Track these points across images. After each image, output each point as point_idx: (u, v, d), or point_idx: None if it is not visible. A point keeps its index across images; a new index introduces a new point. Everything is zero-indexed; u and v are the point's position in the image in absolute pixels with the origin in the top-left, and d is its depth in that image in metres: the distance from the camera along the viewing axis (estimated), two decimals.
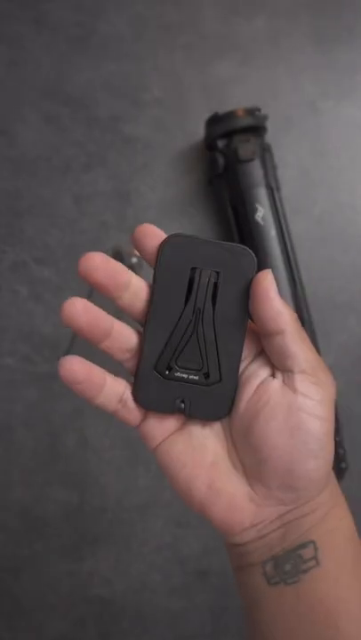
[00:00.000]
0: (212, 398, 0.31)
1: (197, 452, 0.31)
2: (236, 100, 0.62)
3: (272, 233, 0.55)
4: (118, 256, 0.59)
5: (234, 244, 0.31)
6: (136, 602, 0.59)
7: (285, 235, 0.56)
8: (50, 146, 0.61)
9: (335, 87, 0.63)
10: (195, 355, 0.31)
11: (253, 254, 0.31)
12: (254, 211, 0.55)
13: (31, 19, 0.62)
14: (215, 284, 0.30)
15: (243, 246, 0.31)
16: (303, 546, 0.29)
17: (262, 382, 0.30)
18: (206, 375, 0.31)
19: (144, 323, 0.31)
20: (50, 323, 0.59)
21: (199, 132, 0.61)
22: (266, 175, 0.56)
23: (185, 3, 0.62)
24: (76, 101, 0.61)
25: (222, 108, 0.59)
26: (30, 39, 0.62)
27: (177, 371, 0.31)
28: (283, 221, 0.56)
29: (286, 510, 0.30)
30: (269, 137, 0.61)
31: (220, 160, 0.57)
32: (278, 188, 0.57)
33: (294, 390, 0.29)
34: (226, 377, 0.31)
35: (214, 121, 0.57)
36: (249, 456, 0.30)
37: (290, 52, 0.62)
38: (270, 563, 0.29)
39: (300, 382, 0.29)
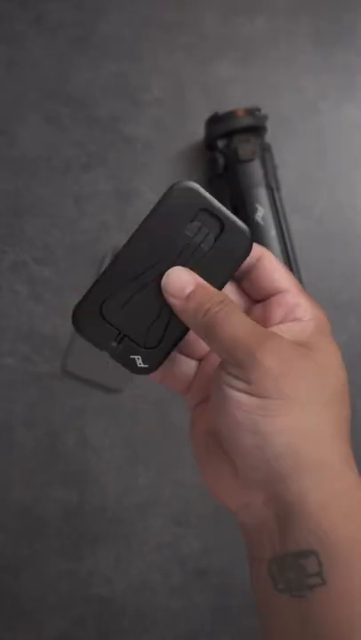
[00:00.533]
0: (142, 355, 0.30)
1: (205, 414, 0.31)
2: (236, 100, 0.62)
3: (272, 233, 0.55)
4: None
5: (237, 220, 0.30)
6: (136, 601, 0.59)
7: (285, 235, 0.56)
8: (50, 146, 0.61)
9: (335, 87, 0.63)
10: (145, 311, 0.30)
11: (250, 237, 0.30)
12: (254, 211, 0.55)
13: (31, 19, 0.62)
14: (200, 249, 0.30)
15: (244, 226, 0.30)
16: (304, 555, 0.26)
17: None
18: (144, 339, 0.30)
19: (120, 248, 0.30)
20: (50, 323, 0.60)
21: (199, 131, 0.61)
22: (266, 175, 0.56)
23: (185, 3, 0.62)
24: (76, 101, 0.61)
25: (222, 108, 0.59)
26: (30, 39, 0.62)
27: (120, 320, 0.30)
28: (283, 221, 0.56)
29: (269, 492, 0.27)
30: (269, 137, 0.61)
31: (220, 160, 0.57)
32: (278, 188, 0.57)
33: (220, 364, 0.28)
34: (164, 345, 0.30)
35: (214, 121, 0.58)
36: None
37: (290, 51, 0.63)
38: (275, 564, 0.27)
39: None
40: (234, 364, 0.27)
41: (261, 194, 0.56)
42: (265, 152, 0.56)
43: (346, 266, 0.61)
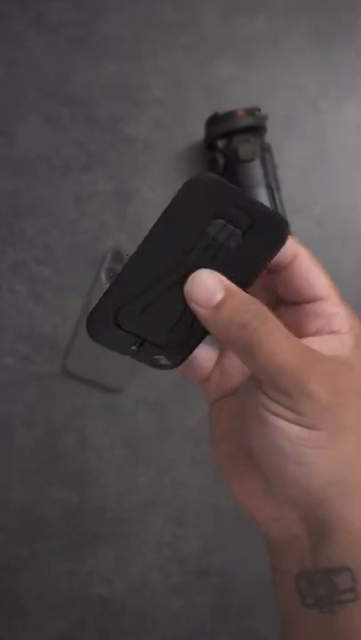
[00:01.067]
0: (165, 354, 0.28)
1: (233, 423, 0.28)
2: (236, 100, 0.62)
3: None
4: (118, 256, 0.59)
5: (269, 210, 0.26)
6: (136, 601, 0.59)
7: None
8: (50, 146, 0.61)
9: (335, 87, 0.63)
10: (165, 316, 0.27)
11: (286, 227, 0.26)
12: None
13: (31, 19, 0.62)
14: (225, 247, 0.26)
15: (277, 216, 0.26)
16: (337, 571, 0.25)
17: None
18: (166, 340, 0.28)
19: (136, 248, 0.27)
20: (50, 323, 0.60)
21: (199, 131, 0.61)
22: (266, 175, 0.56)
23: (185, 3, 0.62)
24: (76, 101, 0.61)
25: (222, 108, 0.59)
26: (30, 39, 0.62)
27: (139, 327, 0.28)
28: None
29: (306, 512, 0.26)
30: (269, 137, 0.61)
31: (220, 160, 0.57)
32: (278, 188, 0.57)
33: (259, 384, 0.25)
34: (188, 343, 0.28)
35: (214, 121, 0.57)
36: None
37: (290, 51, 0.62)
38: (304, 580, 0.26)
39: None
40: (278, 390, 0.24)
41: (261, 194, 0.55)
42: (265, 152, 0.56)
43: (346, 266, 0.61)
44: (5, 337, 0.59)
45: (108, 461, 0.59)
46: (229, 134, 0.57)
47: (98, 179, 0.61)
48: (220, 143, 0.57)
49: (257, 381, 0.25)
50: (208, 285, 0.26)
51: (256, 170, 0.56)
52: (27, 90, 0.61)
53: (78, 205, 0.61)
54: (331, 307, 0.28)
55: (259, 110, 0.58)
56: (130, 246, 0.60)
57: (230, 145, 0.56)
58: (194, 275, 0.26)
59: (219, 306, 0.25)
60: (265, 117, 0.58)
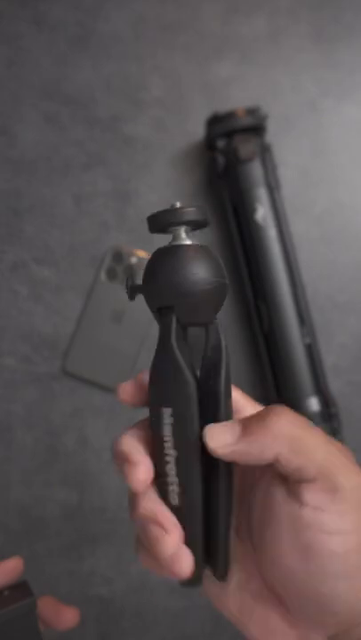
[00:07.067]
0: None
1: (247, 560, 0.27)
2: (236, 100, 0.62)
3: (272, 233, 0.55)
4: (118, 256, 0.59)
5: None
6: (136, 601, 0.59)
7: (285, 235, 0.56)
8: (50, 146, 0.61)
9: (336, 86, 0.62)
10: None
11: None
12: (254, 211, 0.55)
13: (31, 18, 0.62)
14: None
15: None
16: None
17: (267, 491, 0.26)
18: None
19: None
20: (50, 323, 0.60)
21: (199, 131, 0.61)
22: (266, 175, 0.56)
23: (185, 2, 0.62)
24: (76, 101, 0.61)
25: (222, 108, 0.59)
26: (30, 39, 0.62)
27: None
28: (283, 221, 0.56)
29: (336, 632, 0.25)
30: (269, 137, 0.61)
31: (220, 160, 0.57)
32: (278, 188, 0.57)
33: (300, 502, 0.24)
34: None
35: (214, 121, 0.57)
36: (269, 579, 0.26)
37: (290, 51, 0.62)
38: None
39: (308, 492, 0.24)
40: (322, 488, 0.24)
41: (261, 194, 0.55)
42: (265, 152, 0.56)
43: (346, 266, 0.61)
44: (5, 337, 0.59)
45: (108, 461, 0.59)
46: (229, 134, 0.57)
47: (98, 179, 0.61)
48: (220, 143, 0.57)
49: (294, 494, 0.24)
50: (221, 430, 0.26)
51: (256, 170, 0.56)
52: (26, 89, 0.61)
53: (78, 205, 0.61)
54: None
55: (259, 110, 0.58)
56: (130, 246, 0.60)
57: (230, 145, 0.56)
58: (205, 432, 0.26)
59: (244, 434, 0.25)
60: (265, 117, 0.58)
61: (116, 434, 0.59)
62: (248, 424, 0.26)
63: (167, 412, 0.27)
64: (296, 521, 0.24)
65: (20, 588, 0.37)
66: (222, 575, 0.27)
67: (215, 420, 0.27)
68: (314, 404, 0.53)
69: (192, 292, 0.27)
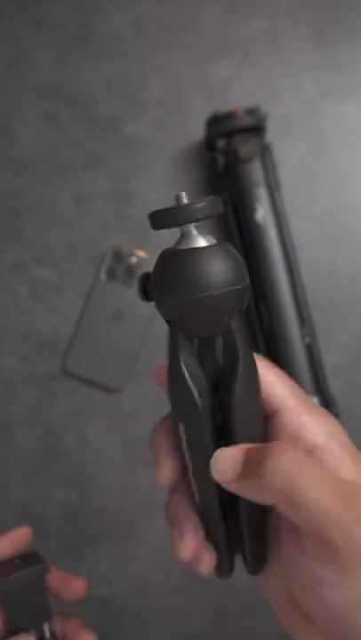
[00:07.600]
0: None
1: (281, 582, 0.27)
2: (236, 100, 0.62)
3: (272, 233, 0.55)
4: (118, 256, 0.59)
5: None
6: (136, 601, 0.59)
7: (285, 235, 0.56)
8: (50, 146, 0.61)
9: (336, 87, 0.62)
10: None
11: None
12: (254, 211, 0.55)
13: (31, 18, 0.62)
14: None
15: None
16: None
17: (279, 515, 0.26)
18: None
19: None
20: (50, 323, 0.59)
21: (199, 131, 0.61)
22: (266, 175, 0.56)
23: (185, 2, 0.62)
24: (76, 101, 0.61)
25: (222, 108, 0.59)
26: (30, 39, 0.62)
27: None
28: (283, 221, 0.56)
29: None
30: (269, 137, 0.61)
31: (220, 160, 0.57)
32: (278, 188, 0.57)
33: (301, 550, 0.24)
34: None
35: (214, 121, 0.57)
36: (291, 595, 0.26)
37: (290, 51, 0.62)
38: None
39: (307, 541, 0.23)
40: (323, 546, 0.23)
41: (261, 194, 0.55)
42: (265, 152, 0.56)
43: (346, 266, 0.61)
44: (5, 337, 0.59)
45: (108, 461, 0.59)
46: (229, 134, 0.57)
47: (98, 179, 0.61)
48: (220, 143, 0.57)
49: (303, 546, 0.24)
50: (224, 460, 0.26)
51: (256, 170, 0.56)
52: (26, 89, 0.61)
53: (78, 205, 0.61)
54: (295, 418, 0.27)
55: (259, 110, 0.58)
56: (130, 246, 0.60)
57: (230, 145, 0.56)
58: (212, 459, 0.26)
59: (243, 473, 0.25)
60: (265, 117, 0.58)
61: (115, 434, 0.59)
62: (248, 462, 0.25)
63: (182, 428, 0.27)
64: (299, 565, 0.23)
65: (31, 557, 0.39)
66: (252, 570, 0.28)
67: (230, 435, 0.27)
68: (314, 403, 0.53)
69: (195, 307, 0.24)
